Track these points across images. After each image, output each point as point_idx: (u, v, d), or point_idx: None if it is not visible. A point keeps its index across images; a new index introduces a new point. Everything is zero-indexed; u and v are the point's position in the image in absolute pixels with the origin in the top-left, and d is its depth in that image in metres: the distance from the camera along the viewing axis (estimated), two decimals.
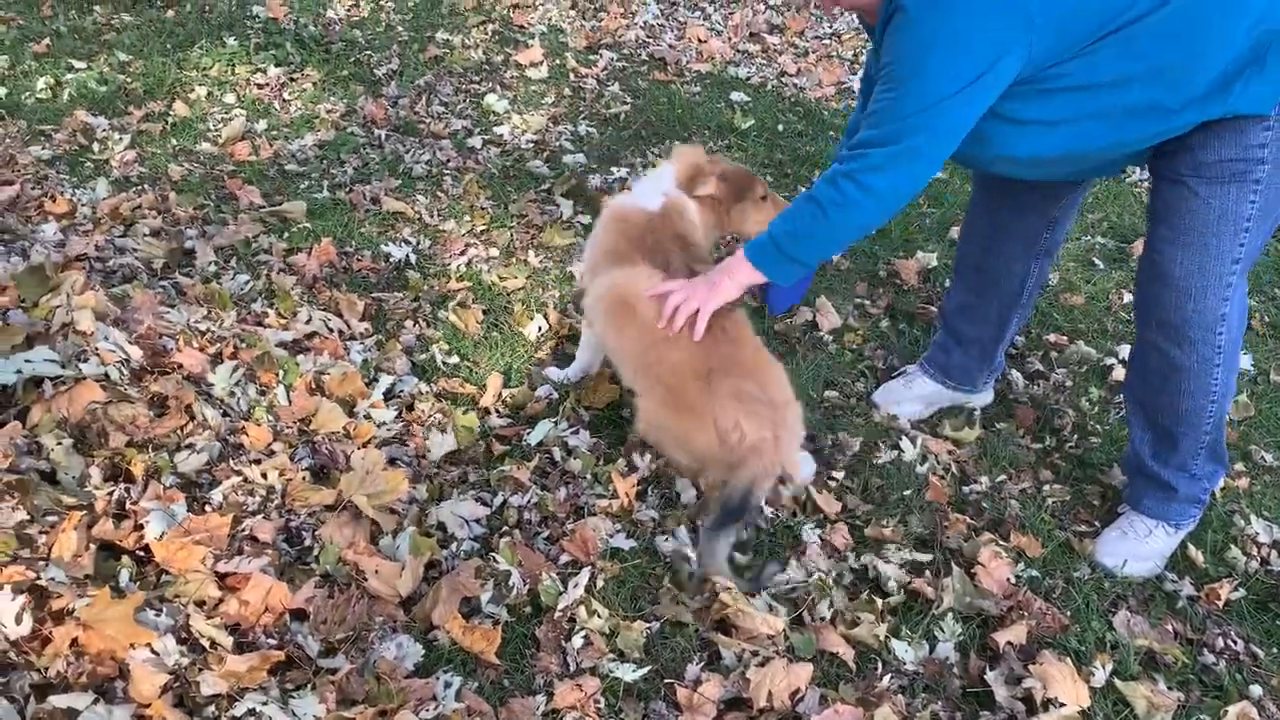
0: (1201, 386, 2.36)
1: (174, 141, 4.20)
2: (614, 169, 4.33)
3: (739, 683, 2.10)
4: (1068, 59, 2.04)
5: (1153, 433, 2.53)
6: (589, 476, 2.66)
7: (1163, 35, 2.00)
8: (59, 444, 2.20)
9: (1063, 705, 2.13)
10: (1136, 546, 2.58)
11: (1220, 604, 2.50)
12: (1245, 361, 3.42)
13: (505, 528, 2.45)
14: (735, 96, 5.15)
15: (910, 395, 3.07)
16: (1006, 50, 2.00)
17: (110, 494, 2.16)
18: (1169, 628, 2.42)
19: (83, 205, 3.47)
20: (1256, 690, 2.28)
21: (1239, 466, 2.96)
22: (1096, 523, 2.73)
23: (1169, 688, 2.25)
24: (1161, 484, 2.56)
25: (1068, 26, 2.01)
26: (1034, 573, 2.52)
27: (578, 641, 2.16)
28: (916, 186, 2.25)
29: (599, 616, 2.22)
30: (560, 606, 2.21)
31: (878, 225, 2.39)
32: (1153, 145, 2.18)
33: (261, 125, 4.44)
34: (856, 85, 5.36)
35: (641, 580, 2.39)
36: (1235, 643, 2.40)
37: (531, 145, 4.49)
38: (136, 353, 2.50)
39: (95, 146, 4.02)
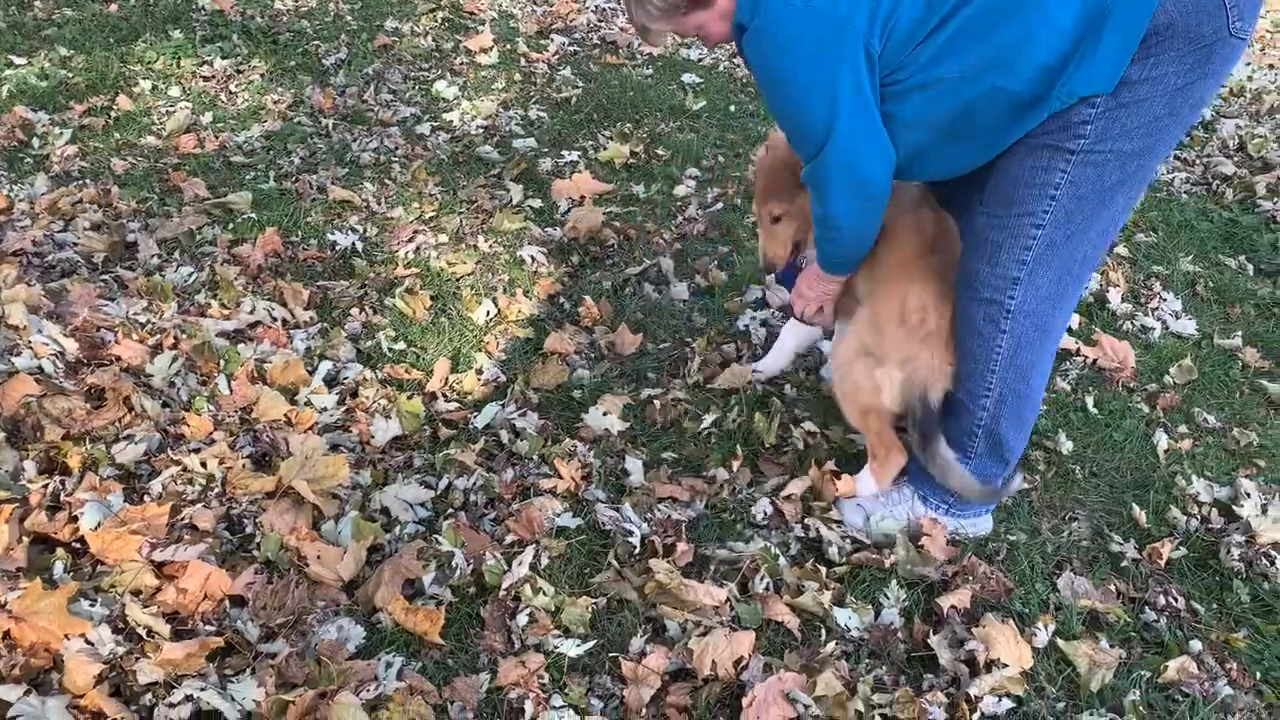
0: (983, 351, 2.25)
1: (117, 135, 4.15)
2: (565, 153, 4.32)
3: (683, 654, 2.11)
4: (908, 58, 2.02)
5: (949, 397, 2.43)
6: (536, 458, 2.66)
7: (996, 14, 1.94)
8: None
9: (1005, 666, 2.16)
10: (882, 503, 2.56)
11: (1162, 563, 2.53)
12: (1190, 326, 3.46)
13: (450, 510, 2.45)
14: (687, 78, 5.15)
15: None
16: (846, 62, 2.00)
17: (45, 487, 2.14)
18: (1112, 588, 2.45)
19: (20, 201, 3.42)
20: (1196, 645, 2.31)
21: (1182, 429, 3.00)
22: (1038, 479, 2.76)
23: (1111, 645, 2.28)
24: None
25: (898, 22, 1.99)
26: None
27: (522, 619, 2.17)
28: (877, 179, 2.19)
29: (544, 594, 2.22)
30: (505, 585, 2.21)
31: (879, 217, 2.32)
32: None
33: (207, 118, 4.39)
34: None
35: (587, 558, 2.39)
36: (1176, 600, 2.43)
37: (481, 131, 4.48)
38: (72, 345, 2.47)
39: (35, 142, 3.97)
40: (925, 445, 2.38)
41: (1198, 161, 4.58)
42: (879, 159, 2.14)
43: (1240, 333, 3.43)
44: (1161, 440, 2.92)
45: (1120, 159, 1.97)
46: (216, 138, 4.20)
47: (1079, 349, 3.26)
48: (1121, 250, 3.86)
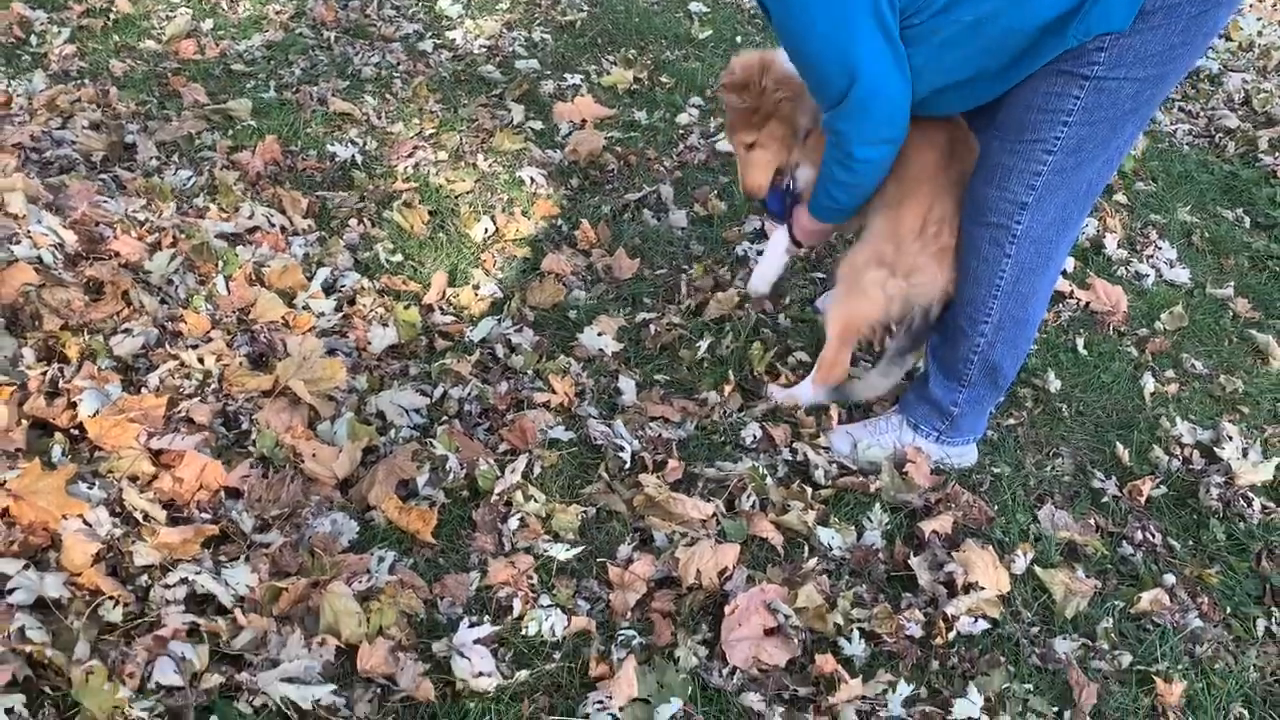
0: (987, 275, 2.26)
1: (116, 38, 4.09)
2: (568, 76, 4.29)
3: (669, 563, 2.16)
4: (924, 2, 2.00)
5: (945, 323, 2.45)
6: (530, 373, 2.69)
7: None
8: None
9: (983, 589, 2.21)
10: (870, 431, 2.61)
11: (1142, 500, 2.58)
12: (1183, 275, 3.48)
13: (445, 418, 2.47)
14: (694, 7, 5.10)
15: None
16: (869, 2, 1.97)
17: (44, 374, 2.15)
18: (1091, 522, 2.50)
19: (18, 96, 3.38)
20: (1170, 579, 2.37)
21: (1169, 373, 3.04)
22: (1024, 415, 2.80)
23: (1087, 576, 2.34)
24: (925, 376, 2.53)
25: None
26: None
27: (513, 523, 2.20)
28: (902, 121, 2.17)
29: (535, 501, 2.26)
30: (497, 490, 2.24)
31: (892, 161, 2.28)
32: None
33: (208, 24, 4.33)
34: None
35: (578, 470, 2.43)
36: (1153, 535, 2.49)
37: (484, 50, 4.43)
38: (71, 238, 2.47)
39: (33, 39, 3.91)
40: (899, 354, 2.49)
41: (1201, 114, 4.57)
42: (904, 100, 2.12)
43: (1233, 283, 3.46)
44: (1149, 383, 2.96)
45: (1134, 85, 1.97)
46: (217, 45, 4.14)
47: (1072, 291, 3.28)
48: (1120, 198, 3.86)
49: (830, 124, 2.19)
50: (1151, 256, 3.56)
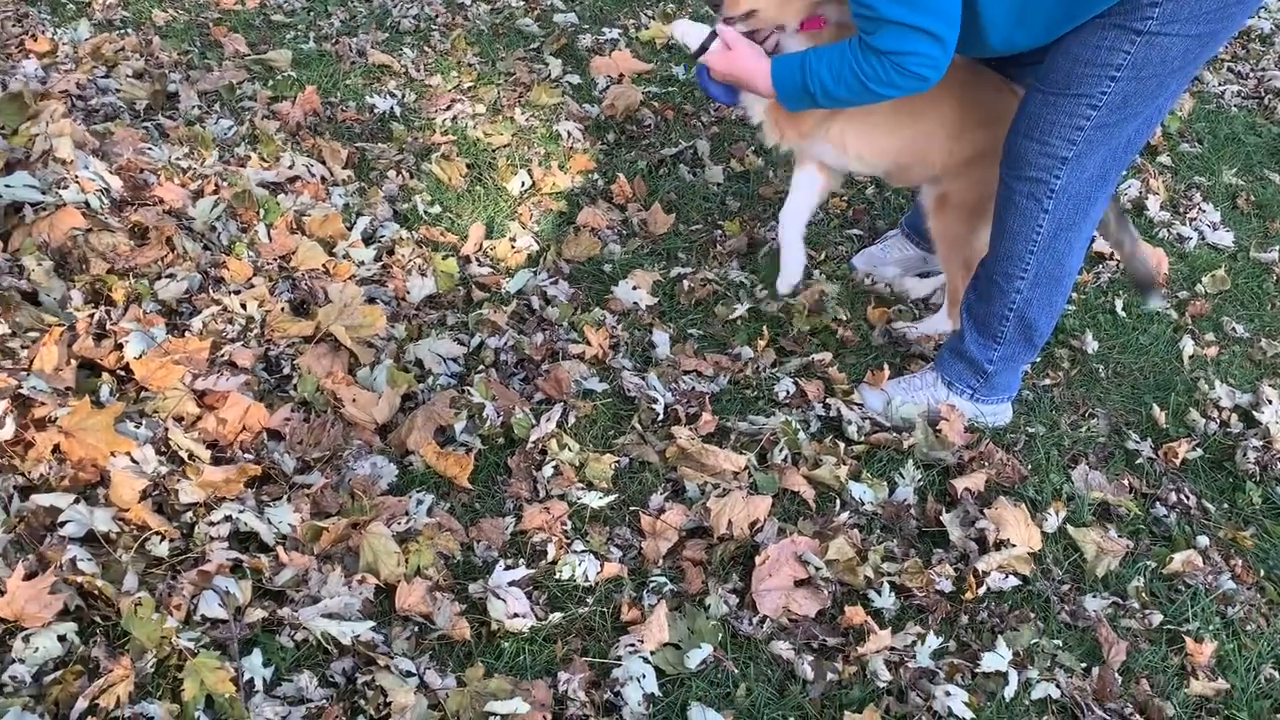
0: (1024, 230, 2.25)
1: None
2: (606, 30, 4.27)
3: (700, 513, 2.18)
4: None
5: (980, 280, 2.45)
6: (566, 324, 2.70)
7: None
8: (39, 265, 2.23)
9: (1014, 546, 2.21)
10: (904, 389, 2.59)
11: (1177, 462, 2.57)
12: (1227, 238, 3.43)
13: (481, 366, 2.50)
14: None
15: (889, 259, 3.09)
16: None
17: (91, 315, 2.20)
18: (1125, 482, 2.50)
19: (64, 45, 3.42)
20: (1203, 540, 2.36)
21: (1209, 336, 3.01)
22: (1061, 375, 2.79)
23: (1119, 536, 2.33)
24: (960, 334, 2.52)
25: None
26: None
27: (548, 471, 2.23)
28: (928, 83, 2.13)
29: (569, 450, 2.28)
30: (532, 438, 2.27)
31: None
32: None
33: None
34: None
35: (612, 420, 2.45)
36: (1188, 498, 2.48)
37: (522, 4, 4.41)
38: (117, 183, 2.51)
39: None
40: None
41: (1251, 74, 4.48)
42: (945, 65, 2.09)
43: (1278, 248, 3.41)
44: (1188, 346, 2.93)
45: (1185, 42, 1.95)
46: None
47: (1112, 253, 3.25)
48: (1165, 159, 3.81)
49: (864, 42, 2.10)
50: (1194, 219, 3.51)
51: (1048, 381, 2.77)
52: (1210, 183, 3.72)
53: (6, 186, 2.33)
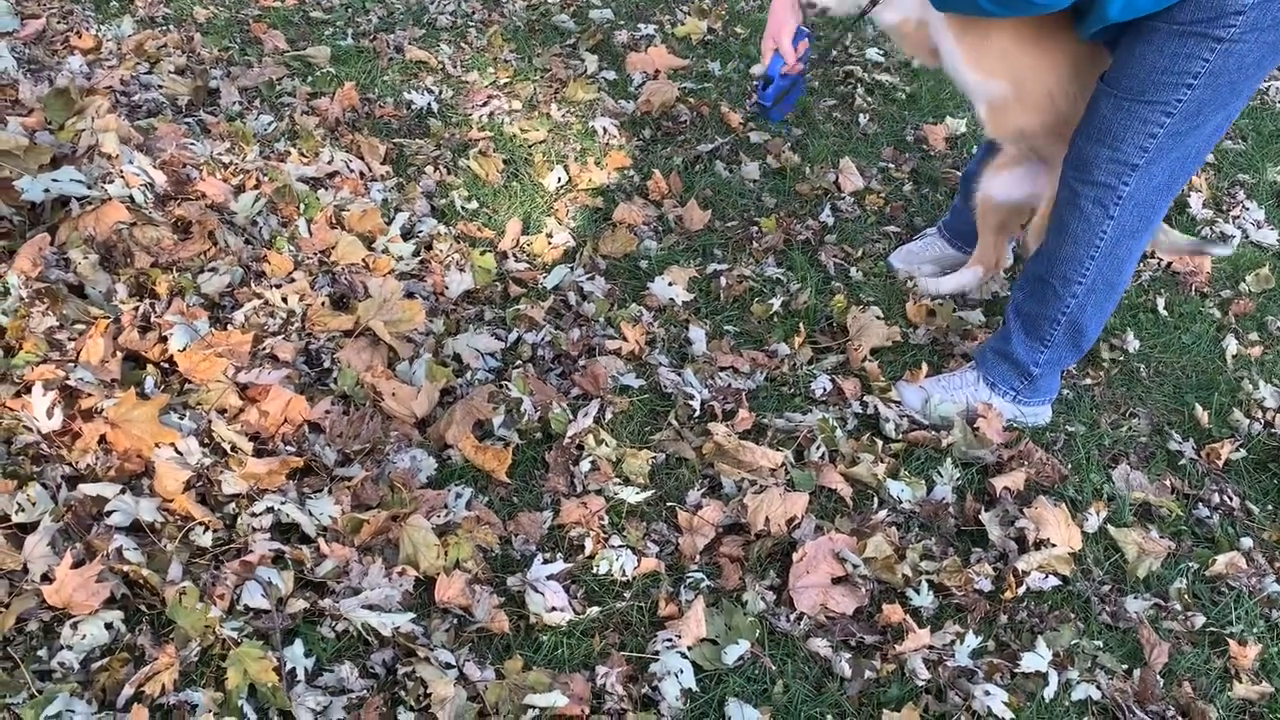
0: (1087, 235, 2.23)
1: None
2: (641, 26, 4.26)
3: (738, 510, 2.18)
4: None
5: (1032, 280, 2.42)
6: (602, 320, 2.71)
7: None
8: (86, 259, 2.26)
9: (1054, 546, 2.20)
10: (943, 387, 2.57)
11: (1220, 463, 2.54)
12: (1271, 236, 3.39)
13: (519, 362, 2.51)
14: None
15: (926, 257, 3.07)
16: None
17: (136, 308, 2.22)
18: (1167, 483, 2.47)
19: (108, 41, 3.46)
20: (1247, 542, 2.34)
21: (1253, 336, 2.97)
22: (1101, 375, 2.76)
23: (1161, 536, 2.31)
24: (1005, 335, 2.49)
25: None
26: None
27: (585, 466, 2.24)
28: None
29: (606, 445, 2.29)
30: (570, 434, 2.28)
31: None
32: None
33: None
34: None
35: (648, 416, 2.45)
36: (1231, 499, 2.45)
37: (558, 0, 4.42)
38: (161, 178, 2.54)
39: None
40: None
41: None
42: None
43: None
44: (1231, 345, 2.90)
45: (1260, 49, 1.94)
46: None
47: (1154, 251, 3.21)
48: (1207, 157, 3.75)
49: None
50: (1238, 217, 3.47)
51: (1088, 381, 2.75)
52: (1254, 180, 3.66)
53: (54, 181, 2.36)
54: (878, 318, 2.82)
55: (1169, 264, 3.19)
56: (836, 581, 2.06)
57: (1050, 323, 2.38)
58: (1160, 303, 3.04)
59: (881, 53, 4.18)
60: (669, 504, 2.21)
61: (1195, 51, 1.94)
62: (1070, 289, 2.31)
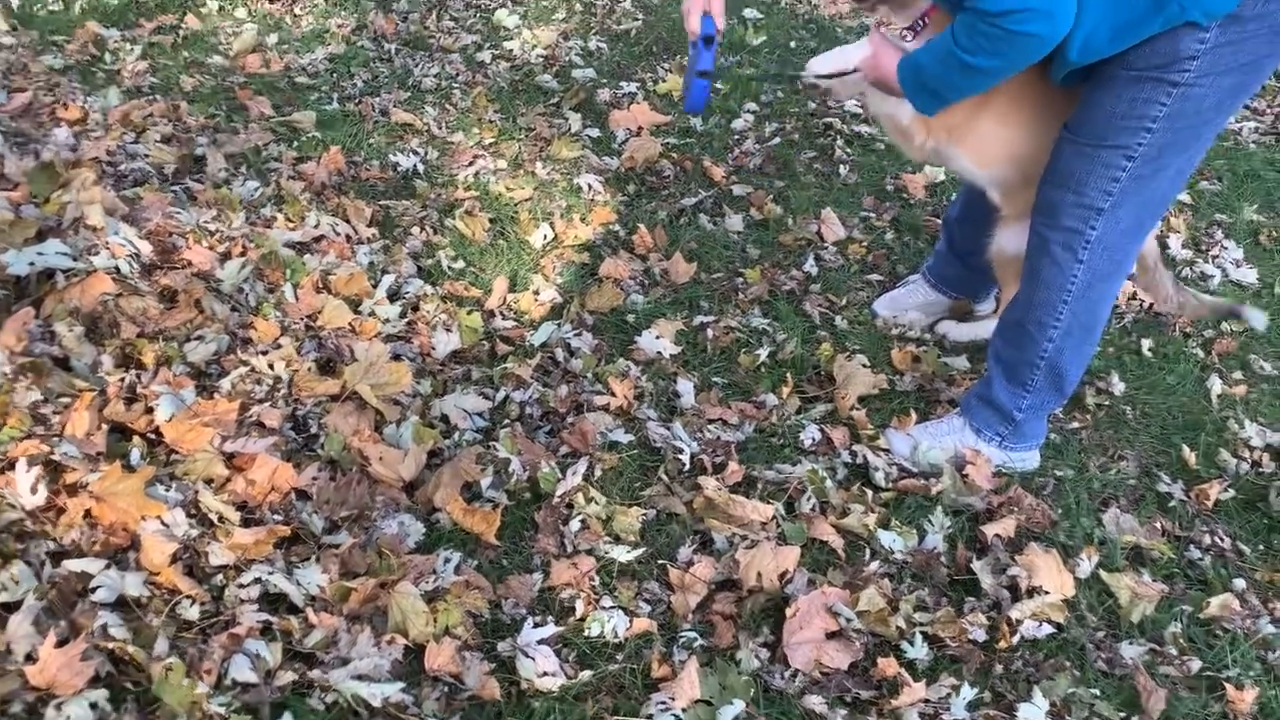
0: (1058, 280, 2.24)
1: (185, 54, 4.21)
2: (624, 84, 4.32)
3: (729, 565, 2.17)
4: None
5: (1009, 327, 2.44)
6: (590, 376, 2.71)
7: None
8: (71, 331, 2.26)
9: (1047, 593, 2.19)
10: (931, 434, 2.58)
11: (1210, 504, 2.54)
12: (1250, 275, 3.41)
13: (507, 421, 2.51)
14: (748, 13, 5.10)
15: (911, 304, 3.09)
16: None
17: (121, 379, 2.22)
18: (1157, 525, 2.47)
19: (94, 112, 3.49)
20: (1240, 583, 2.33)
21: (1237, 375, 2.98)
22: (1088, 418, 2.77)
23: (1154, 580, 2.30)
24: (988, 381, 2.50)
25: None
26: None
27: (575, 525, 2.23)
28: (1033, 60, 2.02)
29: (596, 503, 2.28)
30: (559, 493, 2.27)
31: (1038, 58, 2.03)
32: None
33: (273, 39, 4.43)
34: None
35: (638, 472, 2.45)
36: (1222, 540, 2.45)
37: (541, 60, 4.48)
38: (147, 248, 2.55)
39: (107, 57, 4.04)
40: None
41: (1268, 111, 4.48)
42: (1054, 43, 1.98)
43: None
44: (1215, 385, 2.91)
45: (1218, 93, 1.97)
46: (281, 59, 4.24)
47: (1135, 293, 3.23)
48: (1184, 197, 3.80)
49: (965, 13, 1.99)
50: (1217, 256, 3.50)
51: (1075, 424, 2.76)
52: (1231, 220, 3.71)
53: (39, 254, 2.37)
54: (864, 366, 2.83)
55: (1150, 305, 3.21)
56: (830, 636, 2.05)
57: (1030, 368, 2.40)
58: (1144, 344, 3.06)
59: (859, 104, 4.23)
60: (660, 561, 2.20)
61: (1152, 96, 1.98)
62: (1046, 334, 2.33)
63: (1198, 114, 2.01)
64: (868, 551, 2.30)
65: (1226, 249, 3.53)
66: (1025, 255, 2.34)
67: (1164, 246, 3.51)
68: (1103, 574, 2.29)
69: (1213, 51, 1.90)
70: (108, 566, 1.85)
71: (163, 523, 1.94)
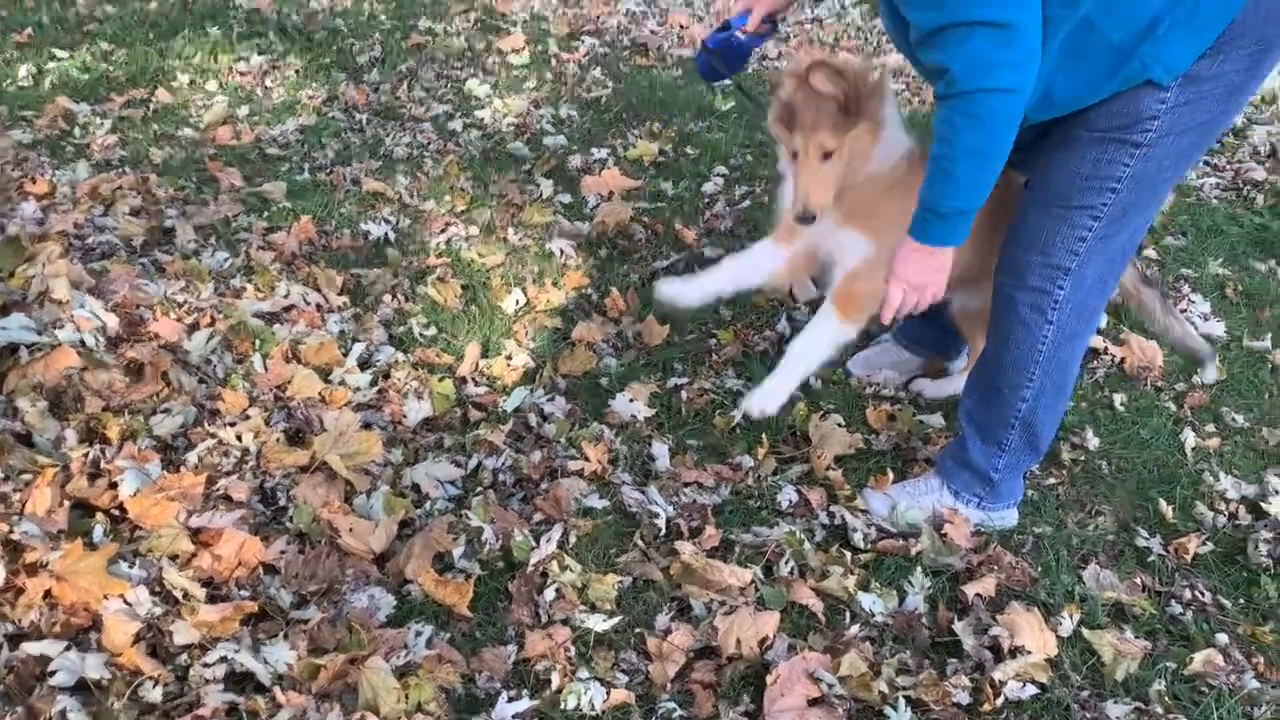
0: (1028, 341, 2.25)
1: (156, 127, 4.22)
2: (595, 150, 4.36)
3: (708, 632, 2.13)
4: None
5: (980, 388, 2.43)
6: (563, 441, 2.69)
7: None
8: (34, 406, 2.23)
9: (1029, 653, 2.16)
10: (909, 493, 2.56)
11: (1188, 558, 2.53)
12: (1218, 328, 3.45)
13: (479, 488, 2.48)
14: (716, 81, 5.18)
15: (884, 363, 3.10)
16: None
17: (85, 455, 2.19)
18: (1137, 581, 2.45)
19: (63, 186, 3.49)
20: (1222, 638, 2.31)
21: (1210, 428, 2.99)
22: (1064, 474, 2.77)
23: (1136, 636, 2.28)
24: (962, 443, 2.49)
25: None
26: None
27: (549, 595, 2.19)
28: (1020, 57, 1.89)
29: (571, 571, 2.25)
30: (532, 561, 2.23)
31: (1018, 115, 1.94)
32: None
33: (244, 111, 4.46)
34: None
35: (614, 538, 2.42)
36: (1203, 594, 2.43)
37: (512, 128, 4.52)
38: (113, 320, 2.53)
39: (76, 131, 4.05)
40: None
41: (1228, 167, 4.57)
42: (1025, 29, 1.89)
43: (1270, 335, 3.42)
44: (1189, 438, 2.92)
45: (1177, 153, 2.02)
46: (252, 130, 4.26)
47: (1107, 348, 3.26)
48: (1150, 253, 3.85)
49: (937, 105, 1.95)
50: (1185, 310, 3.53)
51: (1052, 480, 2.75)
52: (1197, 274, 3.76)
53: (3, 329, 2.35)
54: (839, 425, 2.82)
55: (1122, 359, 3.23)
56: (813, 703, 2.01)
57: (1004, 428, 2.40)
58: (1117, 399, 3.07)
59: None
60: (637, 630, 2.16)
61: (1116, 157, 2.01)
62: (1019, 394, 2.33)
63: (1159, 173, 2.05)
64: (848, 614, 2.26)
65: (1194, 302, 3.57)
66: (991, 315, 2.35)
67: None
68: (1085, 632, 2.26)
69: (1172, 111, 1.94)
70: (68, 648, 1.80)
71: (125, 601, 1.89)
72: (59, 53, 4.77)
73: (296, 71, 4.88)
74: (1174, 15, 1.87)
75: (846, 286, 2.48)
